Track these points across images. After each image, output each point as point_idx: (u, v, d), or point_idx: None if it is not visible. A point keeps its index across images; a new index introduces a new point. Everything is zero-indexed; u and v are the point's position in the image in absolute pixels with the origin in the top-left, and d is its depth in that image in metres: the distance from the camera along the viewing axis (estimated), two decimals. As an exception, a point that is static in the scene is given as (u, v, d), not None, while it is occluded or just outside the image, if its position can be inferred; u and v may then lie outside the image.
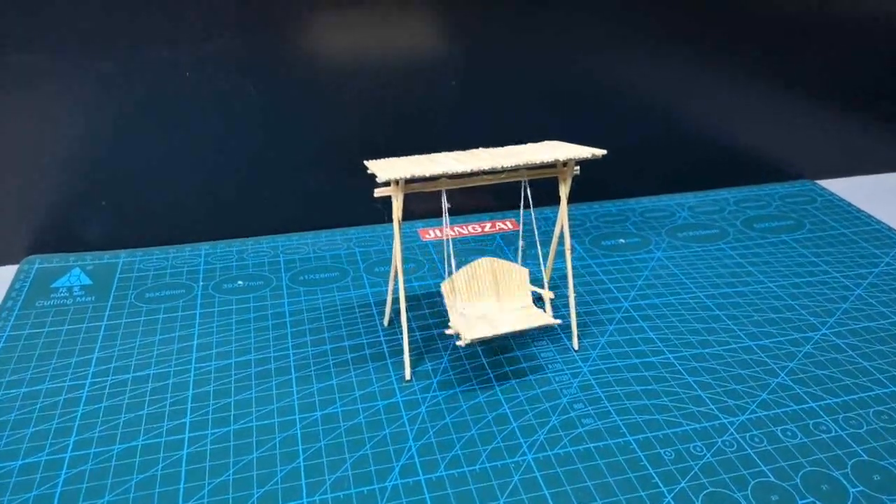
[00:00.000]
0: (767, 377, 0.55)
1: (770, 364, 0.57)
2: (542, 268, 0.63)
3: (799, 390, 0.54)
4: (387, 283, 0.68)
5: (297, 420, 0.51)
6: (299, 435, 0.50)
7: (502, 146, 0.59)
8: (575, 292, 0.61)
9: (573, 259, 0.72)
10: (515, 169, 0.52)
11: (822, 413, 0.52)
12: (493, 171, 0.50)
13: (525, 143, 0.60)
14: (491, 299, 0.56)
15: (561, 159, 0.50)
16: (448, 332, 0.54)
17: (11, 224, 0.71)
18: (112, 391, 0.54)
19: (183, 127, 0.72)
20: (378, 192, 0.50)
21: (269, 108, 0.73)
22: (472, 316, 0.55)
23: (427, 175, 0.47)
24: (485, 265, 0.56)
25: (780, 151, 0.91)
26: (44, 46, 0.67)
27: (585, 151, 0.51)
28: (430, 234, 0.77)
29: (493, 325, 0.53)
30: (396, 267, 0.54)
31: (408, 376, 0.55)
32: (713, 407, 0.52)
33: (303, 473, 0.47)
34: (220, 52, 0.69)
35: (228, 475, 0.46)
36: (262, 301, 0.65)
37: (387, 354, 0.58)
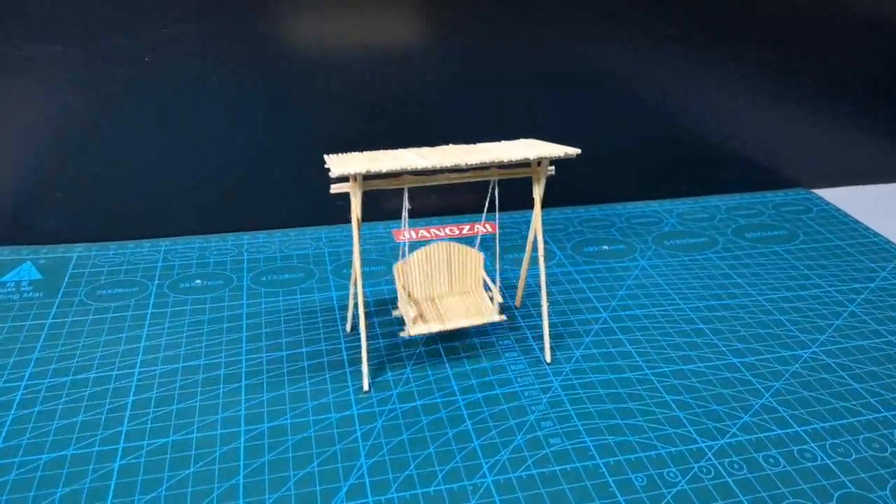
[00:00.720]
0: (751, 398, 0.52)
1: (754, 384, 0.53)
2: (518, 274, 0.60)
3: (784, 413, 0.50)
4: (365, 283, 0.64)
5: (242, 432, 0.47)
6: (242, 449, 0.46)
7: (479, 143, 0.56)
8: (549, 301, 0.57)
9: (551, 265, 0.69)
10: (482, 167, 0.49)
11: (807, 439, 0.48)
12: (457, 169, 0.47)
13: (507, 140, 0.57)
14: (443, 284, 0.54)
15: (532, 158, 0.46)
16: (394, 313, 0.54)
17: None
18: (48, 395, 0.50)
19: (147, 118, 0.68)
20: (334, 189, 0.46)
21: (239, 100, 0.69)
22: (423, 300, 0.53)
23: (384, 171, 0.44)
24: (440, 249, 0.54)
25: (776, 158, 0.87)
26: (1, 32, 0.63)
27: (558, 150, 0.47)
28: (405, 234, 0.73)
29: (440, 316, 0.53)
30: (356, 271, 0.51)
31: (366, 387, 0.51)
32: (691, 429, 0.49)
33: (241, 492, 0.43)
34: (181, 37, 0.66)
35: (160, 492, 0.43)
36: (220, 302, 0.61)
37: (346, 363, 0.54)
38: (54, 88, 0.65)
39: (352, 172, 0.44)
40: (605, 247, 0.73)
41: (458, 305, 0.55)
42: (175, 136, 0.69)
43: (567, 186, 0.81)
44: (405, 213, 0.48)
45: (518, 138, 0.57)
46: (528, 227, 0.77)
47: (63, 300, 0.61)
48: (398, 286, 0.54)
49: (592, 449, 0.47)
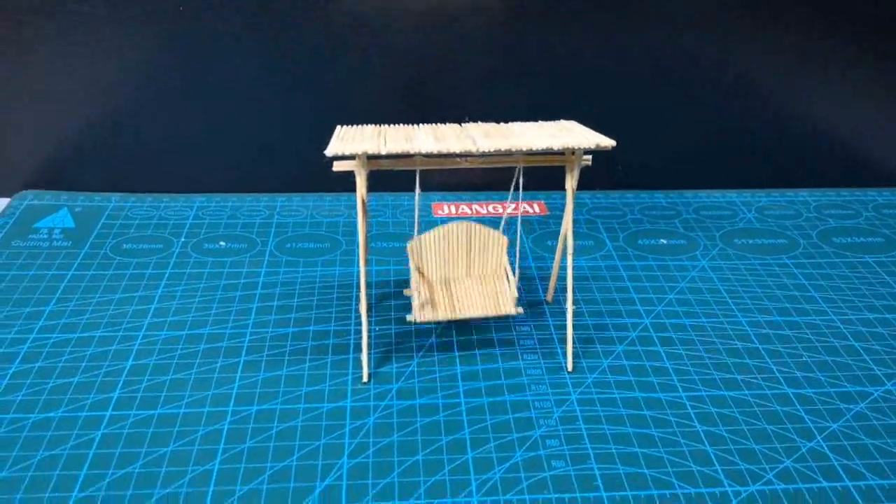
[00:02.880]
0: (799, 439, 0.45)
1: (807, 421, 0.46)
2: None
3: (835, 462, 0.43)
4: (381, 260, 0.61)
5: (230, 413, 0.45)
6: (225, 431, 0.44)
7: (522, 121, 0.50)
8: (580, 303, 0.51)
9: (596, 257, 0.62)
10: (503, 154, 0.43)
11: (858, 498, 0.41)
12: (471, 155, 0.41)
13: (555, 119, 0.50)
14: (461, 267, 0.50)
15: (556, 147, 0.40)
16: (406, 292, 0.51)
17: (10, 157, 0.69)
18: (52, 350, 0.50)
19: (193, 71, 0.66)
20: (337, 167, 0.42)
21: (280, 59, 0.66)
22: (436, 283, 0.49)
23: (383, 153, 0.39)
24: (459, 229, 0.50)
25: (882, 149, 0.76)
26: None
27: (589, 139, 0.41)
28: (445, 209, 0.68)
29: (451, 304, 0.48)
30: (362, 254, 0.47)
31: (365, 378, 0.48)
32: (719, 468, 0.43)
33: (214, 479, 0.41)
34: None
35: (135, 468, 0.42)
36: (238, 268, 0.59)
37: (351, 347, 0.51)
38: (101, 45, 0.64)
39: (347, 153, 0.39)
40: (663, 241, 0.66)
41: (474, 292, 0.50)
42: (217, 94, 0.67)
43: (631, 167, 0.74)
44: (417, 199, 0.44)
45: (568, 117, 0.51)
46: (585, 210, 0.70)
47: (89, 252, 0.61)
48: (411, 265, 0.50)
49: (598, 479, 0.42)
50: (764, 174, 0.75)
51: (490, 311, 0.49)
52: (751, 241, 0.66)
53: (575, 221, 0.68)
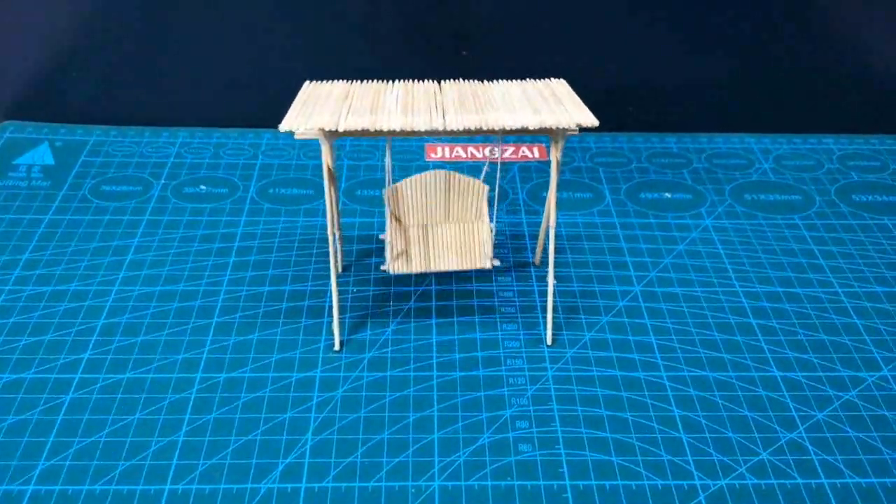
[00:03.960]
0: (780, 429, 0.43)
1: (791, 410, 0.44)
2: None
3: (814, 456, 0.42)
4: (367, 210, 0.58)
5: (198, 380, 0.45)
6: (192, 400, 0.44)
7: (509, 75, 0.46)
8: (557, 281, 0.49)
9: (593, 211, 0.59)
10: (474, 130, 0.39)
11: (832, 496, 0.40)
12: (434, 131, 0.38)
13: (535, 75, 0.46)
14: (439, 214, 0.48)
15: (531, 127, 0.36)
16: (381, 237, 0.50)
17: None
18: (26, 305, 0.49)
19: (179, 4, 0.62)
20: (298, 135, 0.39)
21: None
22: (413, 226, 0.47)
23: (341, 130, 0.36)
24: (438, 177, 0.47)
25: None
26: None
27: (570, 118, 0.36)
28: (438, 152, 0.65)
29: (427, 254, 0.47)
30: (329, 226, 0.44)
31: (336, 346, 0.47)
32: (690, 459, 0.41)
33: (177, 451, 0.41)
34: None
35: (101, 436, 0.42)
36: (217, 216, 0.57)
37: (326, 311, 0.50)
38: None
39: (300, 129, 0.36)
40: (668, 194, 0.62)
41: (451, 241, 0.48)
42: (205, 18, 0.63)
43: (642, 108, 0.69)
44: (388, 170, 0.41)
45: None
46: (588, 157, 0.66)
47: (67, 193, 0.59)
48: (387, 213, 0.48)
49: (564, 465, 0.41)
50: (788, 116, 0.69)
51: (466, 265, 0.47)
52: (762, 197, 0.62)
53: (575, 169, 0.64)
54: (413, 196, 0.47)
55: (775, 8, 0.65)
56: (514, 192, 0.61)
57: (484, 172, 0.49)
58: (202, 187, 0.59)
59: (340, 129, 0.36)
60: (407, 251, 0.47)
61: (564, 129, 0.39)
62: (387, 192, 0.48)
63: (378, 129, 0.36)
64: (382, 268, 0.47)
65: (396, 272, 0.47)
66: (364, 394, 0.45)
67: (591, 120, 0.37)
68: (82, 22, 0.63)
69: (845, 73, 0.68)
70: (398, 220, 0.48)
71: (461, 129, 0.36)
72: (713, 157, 0.67)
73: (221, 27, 0.64)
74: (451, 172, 0.47)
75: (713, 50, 0.66)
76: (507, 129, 0.36)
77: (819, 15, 0.65)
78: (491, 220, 0.48)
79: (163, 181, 0.61)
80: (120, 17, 0.63)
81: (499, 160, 0.50)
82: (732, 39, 0.66)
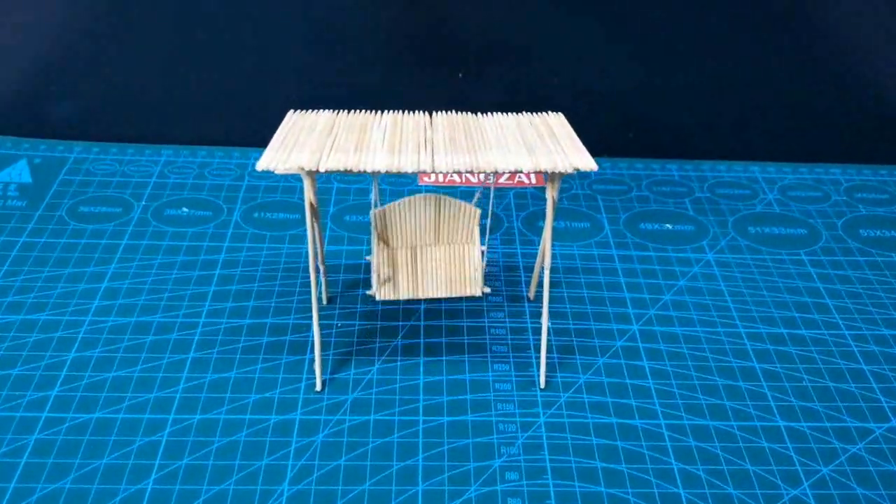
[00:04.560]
0: (784, 485, 0.41)
1: (795, 463, 0.42)
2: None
3: (820, 517, 0.40)
4: (355, 238, 0.56)
5: (170, 422, 0.43)
6: (163, 444, 0.41)
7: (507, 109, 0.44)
8: (551, 320, 0.46)
9: (590, 242, 0.56)
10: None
11: (839, 564, 0.38)
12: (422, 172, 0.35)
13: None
14: (429, 236, 0.45)
15: (525, 170, 0.34)
16: (367, 258, 0.48)
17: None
18: (-7, 335, 0.47)
19: (163, 10, 0.59)
20: (280, 170, 0.37)
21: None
22: (401, 248, 0.45)
23: (323, 171, 0.33)
24: (429, 200, 0.45)
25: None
26: None
27: (565, 160, 0.34)
28: (432, 176, 0.63)
29: (415, 279, 0.44)
30: (311, 264, 0.42)
31: (318, 386, 0.45)
32: (689, 518, 0.39)
33: (145, 501, 0.39)
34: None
35: (65, 482, 0.39)
36: (199, 241, 0.55)
37: (309, 346, 0.47)
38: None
39: (278, 169, 0.34)
40: (668, 226, 0.60)
41: (442, 262, 0.46)
42: (192, 32, 0.61)
43: (643, 133, 0.67)
44: (374, 205, 0.38)
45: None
46: (587, 183, 0.63)
47: (43, 214, 0.57)
48: (373, 235, 0.45)
49: (555, 523, 0.39)
50: (793, 144, 0.67)
51: (456, 291, 0.45)
52: (766, 230, 0.60)
53: (573, 196, 0.62)
54: (402, 218, 0.45)
55: (781, 33, 0.63)
56: (508, 219, 0.59)
57: (475, 199, 0.47)
58: (184, 209, 0.57)
59: (322, 170, 0.34)
60: (394, 276, 0.45)
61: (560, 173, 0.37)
62: (374, 214, 0.45)
63: (362, 169, 0.34)
64: (369, 293, 0.45)
65: (383, 299, 0.45)
66: (346, 439, 0.42)
67: (588, 164, 0.34)
68: (64, 34, 0.61)
69: (853, 100, 0.66)
70: (386, 242, 0.46)
71: (450, 171, 0.34)
72: (716, 185, 0.64)
73: (209, 42, 0.61)
74: (443, 196, 0.45)
75: (716, 74, 0.64)
76: (500, 171, 0.34)
77: (827, 40, 0.63)
78: (483, 244, 0.46)
79: (143, 202, 0.58)
80: (103, 29, 0.61)
81: (493, 186, 0.47)
82: (736, 64, 0.64)
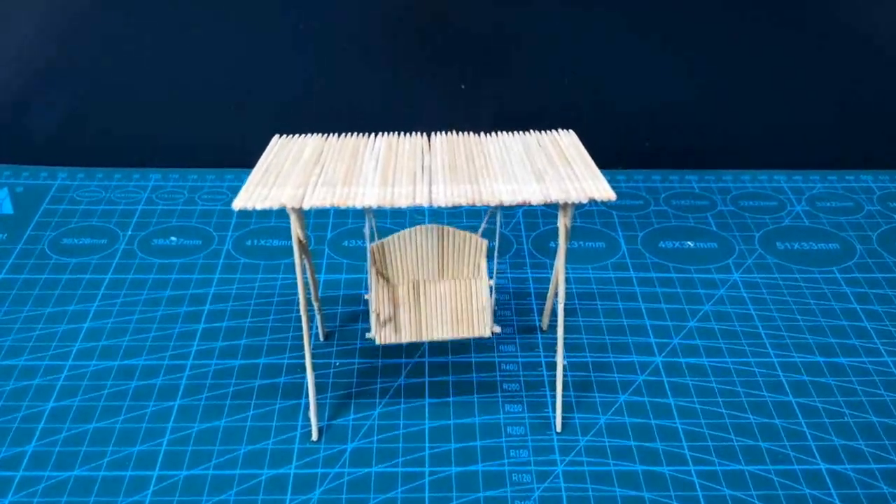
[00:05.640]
0: (829, 540, 0.37)
1: (842, 515, 0.38)
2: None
3: (872, 577, 0.36)
4: (354, 265, 0.52)
5: (153, 480, 0.39)
6: (146, 505, 0.38)
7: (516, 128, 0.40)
8: (565, 361, 0.42)
9: (606, 264, 0.52)
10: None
11: None
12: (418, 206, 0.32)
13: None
14: (432, 271, 0.42)
15: (532, 202, 0.30)
16: (366, 296, 0.45)
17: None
18: (-33, 384, 0.44)
19: (150, 26, 0.56)
20: (261, 205, 0.33)
21: (261, 19, 0.56)
22: (402, 284, 0.41)
23: (305, 207, 0.30)
24: (431, 231, 0.41)
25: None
26: None
27: (579, 189, 0.31)
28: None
29: (418, 320, 0.41)
30: (301, 304, 0.38)
31: (314, 435, 0.41)
32: (726, 580, 0.35)
33: (125, 572, 0.36)
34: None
35: (38, 553, 0.36)
36: (188, 274, 0.52)
37: (304, 389, 0.44)
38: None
39: (257, 208, 0.30)
40: (690, 243, 0.56)
41: (447, 300, 0.42)
42: (182, 48, 0.57)
43: (660, 142, 0.62)
44: (368, 239, 0.35)
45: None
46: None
47: (24, 248, 0.53)
48: (370, 272, 0.42)
49: (577, 590, 0.35)
50: (820, 149, 0.63)
51: (463, 332, 0.41)
52: (796, 246, 0.55)
53: (587, 213, 0.58)
54: (402, 251, 0.42)
55: (806, 33, 0.59)
56: (518, 241, 0.55)
57: (483, 226, 0.43)
58: (173, 239, 0.54)
59: (306, 207, 0.30)
60: (395, 316, 0.41)
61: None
62: (372, 248, 0.42)
63: (351, 205, 0.30)
64: (368, 336, 0.42)
65: (384, 342, 0.41)
66: (344, 496, 0.39)
67: (605, 192, 0.31)
68: (49, 53, 0.58)
69: (884, 102, 0.61)
70: (385, 278, 0.42)
71: (450, 204, 0.31)
72: (739, 198, 0.60)
73: (202, 58, 0.58)
74: (445, 227, 0.42)
75: (736, 77, 0.60)
76: (505, 204, 0.31)
77: (856, 39, 0.59)
78: (491, 277, 0.43)
79: (130, 232, 0.55)
80: (89, 48, 0.58)
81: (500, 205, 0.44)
82: (758, 66, 0.60)
